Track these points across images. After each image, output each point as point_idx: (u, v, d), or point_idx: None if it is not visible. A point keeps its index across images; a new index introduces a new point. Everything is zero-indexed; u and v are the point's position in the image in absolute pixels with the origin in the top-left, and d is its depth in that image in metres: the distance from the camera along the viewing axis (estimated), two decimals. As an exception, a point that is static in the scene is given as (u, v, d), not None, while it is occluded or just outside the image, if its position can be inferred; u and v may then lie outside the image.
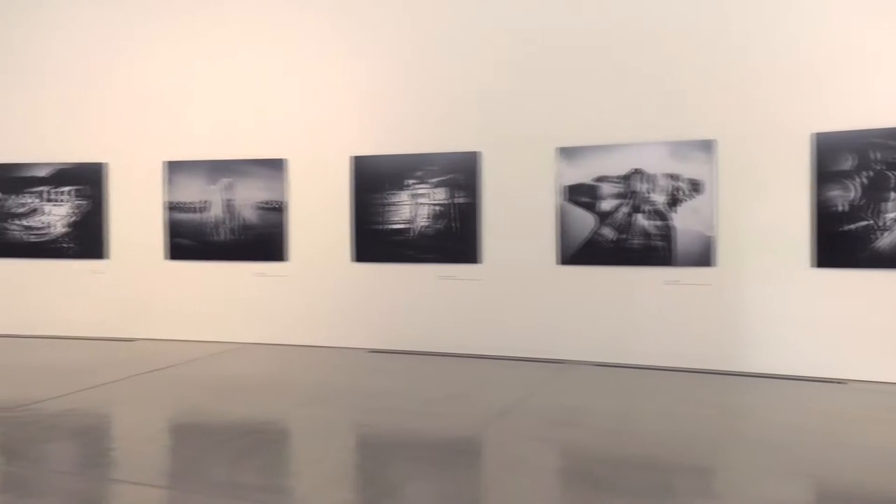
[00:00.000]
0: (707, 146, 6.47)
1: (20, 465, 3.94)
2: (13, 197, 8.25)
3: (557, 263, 6.98)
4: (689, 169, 6.53)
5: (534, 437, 4.46)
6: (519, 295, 7.13)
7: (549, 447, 4.33)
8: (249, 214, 7.82)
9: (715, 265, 6.48)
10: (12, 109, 8.31)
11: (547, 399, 5.49)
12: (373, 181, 7.48)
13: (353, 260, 7.60)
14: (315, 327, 7.70)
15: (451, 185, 7.27)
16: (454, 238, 7.28)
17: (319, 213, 7.70)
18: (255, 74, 7.86)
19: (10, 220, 8.27)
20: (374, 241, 7.50)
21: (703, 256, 6.49)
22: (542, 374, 6.37)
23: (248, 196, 7.81)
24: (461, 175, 7.24)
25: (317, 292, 7.71)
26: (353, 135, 7.59)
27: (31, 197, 8.23)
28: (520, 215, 7.10)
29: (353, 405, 5.29)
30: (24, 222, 8.26)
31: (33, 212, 8.24)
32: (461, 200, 7.24)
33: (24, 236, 8.26)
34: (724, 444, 4.41)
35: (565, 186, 6.90)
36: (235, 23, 7.92)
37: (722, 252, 6.46)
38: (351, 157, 7.55)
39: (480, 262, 7.24)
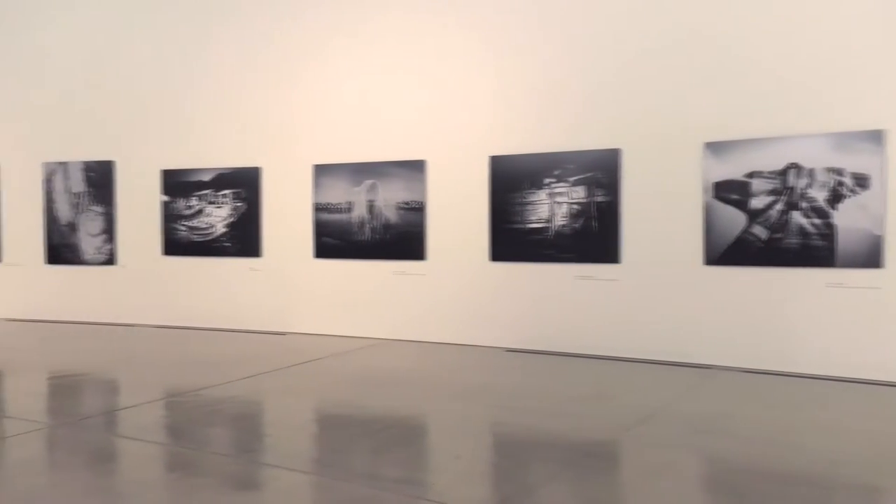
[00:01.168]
0: (875, 137, 5.92)
1: (186, 446, 4.29)
2: (181, 200, 9.00)
3: (703, 264, 6.66)
4: (853, 162, 6.01)
5: (677, 444, 4.27)
6: (661, 296, 6.87)
7: (693, 456, 4.13)
8: (391, 214, 8.07)
9: (884, 266, 5.92)
10: (180, 121, 9.05)
11: (691, 405, 5.25)
12: (511, 180, 7.49)
13: (490, 259, 7.64)
14: (453, 325, 7.81)
15: (591, 184, 7.13)
16: (593, 237, 7.13)
17: (458, 213, 7.80)
18: (396, 78, 8.09)
19: (178, 221, 9.03)
20: (512, 240, 7.50)
21: (872, 257, 5.95)
22: (685, 379, 6.10)
23: (390, 196, 8.06)
24: (601, 173, 7.08)
25: (454, 291, 7.83)
26: (491, 135, 7.63)
27: (196, 200, 8.94)
28: (662, 214, 6.85)
29: (491, 403, 5.32)
30: (190, 223, 8.99)
31: (198, 213, 8.95)
32: (601, 199, 7.08)
33: (190, 236, 8.99)
34: None
35: (713, 183, 6.57)
36: (375, 28, 8.19)
37: (893, 252, 5.89)
38: (489, 156, 7.59)
39: (620, 261, 7.04)
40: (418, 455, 4.29)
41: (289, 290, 8.61)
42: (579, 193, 7.17)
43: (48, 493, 3.54)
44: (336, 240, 8.32)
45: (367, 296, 8.22)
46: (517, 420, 4.85)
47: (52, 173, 9.52)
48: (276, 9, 8.63)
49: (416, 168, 7.94)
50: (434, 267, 7.93)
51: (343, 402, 5.39)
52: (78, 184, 9.41)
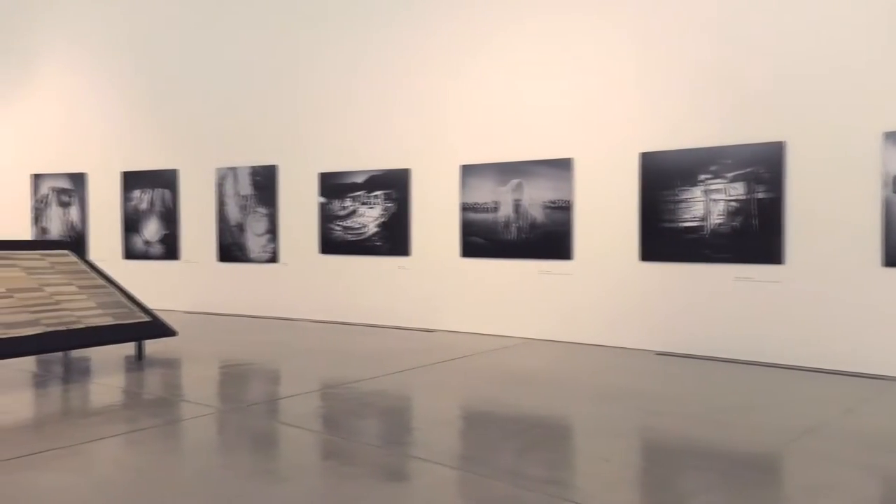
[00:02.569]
0: None
1: (340, 436, 4.49)
2: (336, 201, 9.46)
3: (882, 265, 6.07)
4: None
5: (846, 461, 3.92)
6: (830, 300, 6.34)
7: (865, 475, 3.77)
8: (537, 213, 8.03)
9: None
10: (336, 126, 9.52)
11: (863, 419, 4.80)
12: (662, 177, 7.21)
13: (640, 259, 7.40)
14: (599, 326, 7.64)
15: (751, 179, 6.71)
16: (753, 236, 6.71)
17: (606, 212, 7.62)
18: (543, 76, 8.03)
19: (334, 222, 9.50)
20: (664, 239, 7.22)
21: None
22: (857, 391, 5.58)
23: (536, 196, 8.02)
24: (762, 168, 6.65)
25: (602, 291, 7.65)
26: (640, 130, 7.39)
27: (350, 201, 9.36)
28: (834, 211, 6.32)
29: (639, 407, 5.15)
30: (344, 223, 9.43)
31: (351, 214, 9.37)
32: (762, 195, 6.65)
33: (344, 235, 9.42)
34: None
35: (893, 177, 5.97)
36: (523, 28, 8.17)
37: None
38: (639, 153, 7.35)
39: (783, 262, 6.58)
40: (564, 456, 4.23)
41: (436, 288, 8.80)
42: (738, 190, 6.78)
43: (219, 472, 3.84)
44: (482, 239, 8.40)
45: (512, 295, 8.23)
46: (668, 426, 4.66)
47: (224, 178, 10.33)
48: (427, 14, 8.85)
49: (562, 167, 7.84)
50: (581, 266, 7.80)
51: (488, 400, 5.43)
52: (246, 187, 10.16)
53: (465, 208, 8.51)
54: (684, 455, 4.08)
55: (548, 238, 7.96)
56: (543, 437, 4.48)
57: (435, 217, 8.78)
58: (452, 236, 8.62)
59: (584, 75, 7.77)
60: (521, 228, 8.13)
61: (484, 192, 8.37)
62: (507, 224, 8.23)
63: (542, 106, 8.03)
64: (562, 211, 7.87)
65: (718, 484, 3.60)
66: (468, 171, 8.48)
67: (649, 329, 7.35)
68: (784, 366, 6.45)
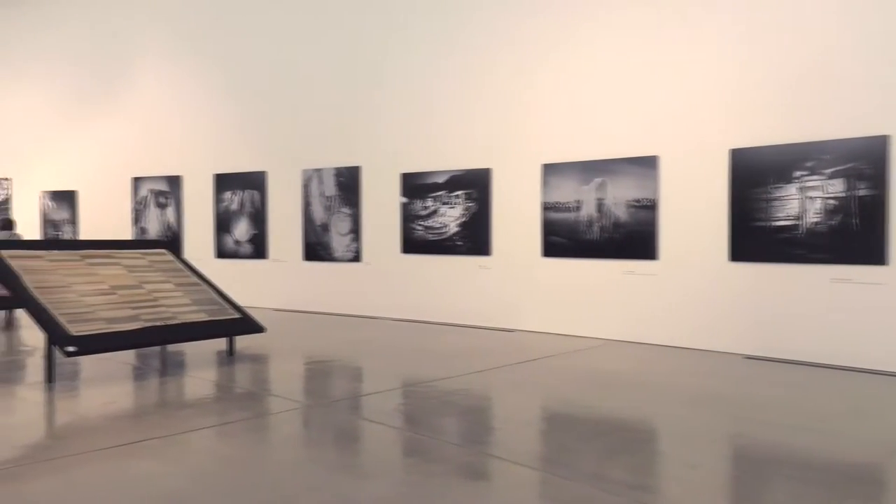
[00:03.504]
0: None
1: (422, 433, 4.53)
2: (418, 201, 9.55)
3: None
4: None
5: (963, 476, 3.66)
6: (941, 304, 5.93)
7: None
8: (620, 212, 7.87)
9: None
10: (417, 126, 9.61)
11: (982, 433, 4.46)
12: (754, 175, 6.93)
13: (730, 259, 7.14)
14: (685, 328, 7.42)
15: (851, 176, 6.36)
16: (853, 236, 6.36)
17: (693, 210, 7.39)
18: (626, 70, 7.87)
19: (415, 221, 9.60)
20: (756, 239, 6.94)
21: None
22: (974, 402, 5.20)
23: (620, 194, 7.86)
24: (864, 164, 6.29)
25: (688, 292, 7.43)
26: (730, 126, 7.13)
27: (431, 201, 9.44)
28: (943, 208, 5.91)
29: (728, 412, 4.96)
30: (426, 223, 9.51)
31: (433, 213, 9.44)
32: (863, 193, 6.30)
33: (426, 235, 9.50)
34: None
35: None
36: (602, 20, 8.03)
37: None
38: (729, 149, 7.10)
39: (887, 263, 6.21)
40: (648, 460, 4.13)
41: (517, 288, 8.75)
42: (836, 187, 6.44)
43: (306, 465, 3.94)
44: (564, 239, 8.30)
45: (595, 295, 8.10)
46: (759, 433, 4.47)
47: (309, 179, 10.61)
48: (508, 12, 8.82)
49: (647, 164, 7.66)
50: (666, 267, 7.59)
51: (570, 402, 5.36)
52: (330, 188, 10.40)
53: (547, 208, 8.43)
54: (778, 464, 3.90)
55: (632, 238, 7.79)
56: (627, 440, 4.38)
57: (516, 217, 8.73)
58: (534, 236, 8.56)
59: (670, 70, 7.56)
60: (603, 228, 7.99)
61: (566, 192, 8.27)
62: (589, 223, 8.10)
63: (627, 102, 7.87)
64: (647, 210, 7.68)
65: (817, 496, 3.42)
66: (550, 170, 8.40)
67: (738, 332, 7.08)
68: (887, 372, 6.08)
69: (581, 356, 7.14)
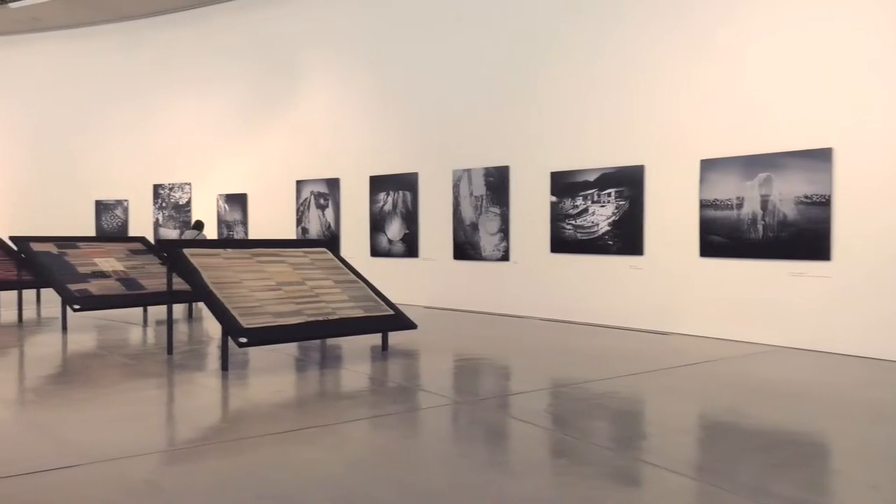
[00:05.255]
0: None
1: (571, 434, 4.46)
2: (567, 200, 9.42)
3: None
4: None
5: None
6: None
7: None
8: (788, 210, 7.33)
9: None
10: (568, 125, 9.48)
11: None
12: (946, 166, 6.21)
13: (916, 261, 6.44)
14: (862, 334, 6.79)
15: None
16: None
17: (873, 207, 6.75)
18: (792, 56, 7.32)
19: (565, 221, 9.48)
20: (948, 238, 6.21)
21: None
22: None
23: (787, 190, 7.32)
24: None
25: (866, 295, 6.79)
26: (919, 113, 6.44)
27: (581, 199, 9.28)
28: None
29: (916, 431, 4.48)
30: (575, 222, 9.36)
31: (583, 212, 9.27)
32: None
33: (575, 234, 9.36)
34: None
35: None
36: (764, 11, 7.51)
37: None
38: (916, 139, 6.41)
39: None
40: (820, 477, 3.81)
41: (672, 289, 8.40)
42: None
43: (457, 461, 4.00)
44: (724, 238, 7.86)
45: (758, 298, 7.60)
46: (955, 455, 4.00)
47: (459, 179, 10.78)
48: (664, 3, 8.50)
49: (819, 157, 7.08)
50: (841, 268, 6.98)
51: (730, 410, 5.06)
52: (479, 187, 10.51)
53: (705, 205, 8.02)
54: (978, 491, 3.47)
55: (801, 237, 7.23)
56: (795, 454, 4.07)
57: (671, 215, 8.39)
58: (690, 235, 8.18)
59: (843, 54, 6.94)
60: (768, 226, 7.48)
61: (726, 188, 7.83)
62: (752, 221, 7.61)
63: (795, 91, 7.32)
64: (818, 206, 7.10)
65: None
66: (708, 165, 7.98)
67: (929, 341, 6.37)
68: None
69: (743, 363, 6.73)
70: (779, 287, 7.43)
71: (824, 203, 7.06)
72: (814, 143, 7.13)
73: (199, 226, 13.03)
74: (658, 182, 8.53)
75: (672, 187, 8.36)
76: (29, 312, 10.39)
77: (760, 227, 7.54)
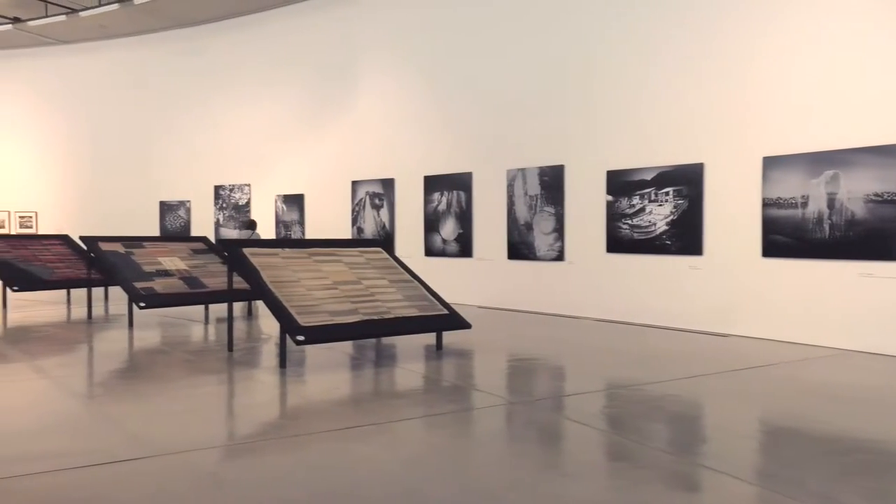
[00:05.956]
0: None
1: (628, 437, 4.40)
2: (624, 199, 9.29)
3: None
4: None
5: None
6: None
7: None
8: (856, 208, 7.07)
9: None
10: (624, 123, 9.35)
11: None
12: None
13: None
14: (940, 340, 6.49)
15: None
16: None
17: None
18: (861, 47, 7.04)
19: (621, 220, 9.35)
20: None
21: None
22: None
23: (856, 188, 7.06)
24: None
25: (943, 299, 6.49)
26: None
27: (637, 199, 9.13)
28: None
29: None
30: (632, 221, 9.22)
31: (639, 212, 9.13)
32: None
33: (632, 234, 9.22)
34: None
35: None
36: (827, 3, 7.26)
37: None
38: None
39: None
40: (891, 485, 3.66)
41: (732, 290, 8.20)
42: None
43: (511, 461, 3.99)
44: (788, 237, 7.63)
45: (824, 300, 7.35)
46: None
47: (513, 178, 10.74)
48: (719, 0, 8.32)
49: (891, 154, 6.80)
50: (913, 270, 6.70)
51: (795, 415, 4.91)
52: (534, 187, 10.45)
53: (768, 204, 7.80)
54: None
55: (871, 236, 6.97)
56: (866, 462, 3.92)
57: (732, 214, 8.18)
58: (752, 235, 7.96)
59: (919, 46, 6.66)
60: (835, 225, 7.23)
61: (790, 186, 7.59)
62: (818, 221, 7.37)
63: (864, 85, 7.05)
64: (889, 205, 6.82)
65: None
66: (771, 163, 7.76)
67: None
68: None
69: (808, 366, 6.52)
70: (846, 288, 7.17)
71: (895, 201, 6.78)
72: (884, 138, 6.86)
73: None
74: (718, 180, 8.33)
75: (733, 186, 8.15)
76: (98, 309, 10.79)
77: (827, 227, 7.29)
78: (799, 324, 7.56)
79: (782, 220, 7.66)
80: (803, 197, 7.48)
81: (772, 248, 7.77)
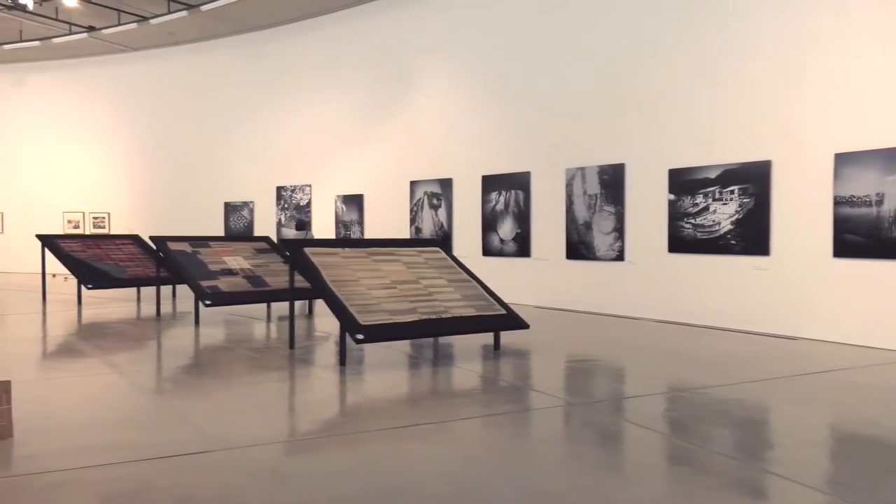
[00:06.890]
0: None
1: (690, 441, 4.29)
2: (686, 198, 9.07)
3: None
4: None
5: None
6: None
7: None
8: (935, 206, 6.73)
9: None
10: (687, 121, 9.13)
11: None
12: None
13: None
14: None
15: None
16: None
17: None
18: (946, 42, 6.71)
19: (683, 219, 9.13)
20: None
21: None
22: None
23: (934, 185, 6.72)
24: None
25: None
26: None
27: (701, 197, 8.91)
28: None
29: None
30: (695, 221, 8.99)
31: (703, 211, 8.90)
32: None
33: (695, 234, 8.99)
34: None
35: None
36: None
37: None
38: None
39: None
40: (976, 501, 3.47)
41: (801, 291, 7.91)
42: None
43: (570, 462, 3.95)
44: (861, 237, 7.32)
45: (900, 302, 7.02)
46: None
47: (572, 178, 10.62)
48: (789, -12, 8.04)
49: (972, 149, 6.46)
50: None
51: (868, 422, 4.70)
52: (593, 186, 10.31)
53: (839, 202, 7.50)
54: None
55: (951, 236, 6.62)
56: (946, 473, 3.73)
57: (800, 213, 7.90)
58: (822, 234, 7.67)
59: None
60: (912, 224, 6.90)
61: (864, 184, 7.28)
62: (894, 219, 7.04)
63: (944, 77, 6.71)
64: (971, 203, 6.48)
65: None
66: (843, 159, 7.46)
67: None
68: None
69: (884, 371, 6.24)
70: (925, 290, 6.83)
71: (979, 199, 6.44)
72: (967, 133, 6.52)
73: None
74: (787, 178, 8.05)
75: (802, 183, 7.87)
76: (166, 307, 11.16)
77: (903, 226, 6.97)
78: (872, 327, 7.24)
79: (855, 219, 7.36)
80: (878, 195, 7.16)
81: (843, 247, 7.47)
